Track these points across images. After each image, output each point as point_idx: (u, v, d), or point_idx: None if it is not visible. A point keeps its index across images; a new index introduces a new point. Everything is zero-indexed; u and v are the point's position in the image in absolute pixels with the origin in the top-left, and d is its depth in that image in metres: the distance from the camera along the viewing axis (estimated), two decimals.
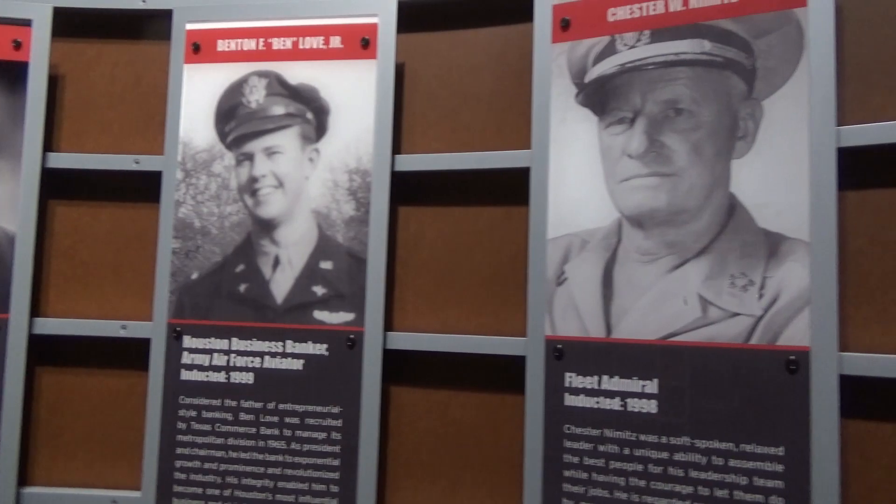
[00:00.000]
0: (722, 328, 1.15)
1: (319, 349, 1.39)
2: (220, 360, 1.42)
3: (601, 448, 1.22)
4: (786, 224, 1.12)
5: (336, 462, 1.36)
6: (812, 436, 1.08)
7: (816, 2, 1.12)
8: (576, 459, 1.23)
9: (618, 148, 1.24)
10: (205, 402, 1.41)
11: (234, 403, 1.40)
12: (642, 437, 1.19)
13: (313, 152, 1.42)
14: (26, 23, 1.49)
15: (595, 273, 1.24)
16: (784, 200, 1.12)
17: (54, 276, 1.56)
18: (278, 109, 1.44)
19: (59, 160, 1.52)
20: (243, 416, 1.40)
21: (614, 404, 1.22)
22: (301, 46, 1.45)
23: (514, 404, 1.35)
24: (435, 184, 1.46)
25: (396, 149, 1.45)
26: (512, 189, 1.38)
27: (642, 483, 1.19)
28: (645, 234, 1.21)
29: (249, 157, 1.44)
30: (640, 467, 1.19)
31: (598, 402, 1.23)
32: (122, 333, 1.48)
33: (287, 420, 1.38)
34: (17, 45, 1.49)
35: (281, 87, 1.45)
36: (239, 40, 1.48)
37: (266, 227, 1.43)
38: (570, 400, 1.25)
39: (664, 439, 1.18)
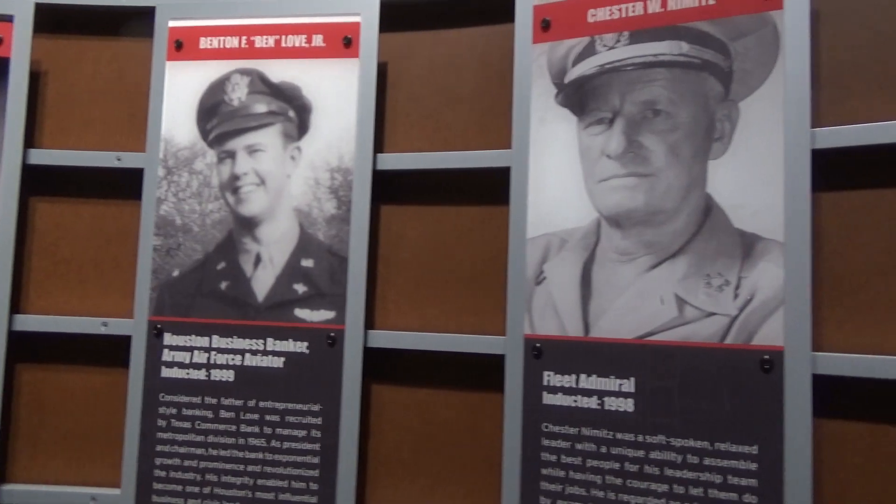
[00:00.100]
0: (698, 328, 1.15)
1: (300, 347, 1.39)
2: (200, 357, 1.42)
3: (578, 446, 1.22)
4: (761, 225, 1.13)
5: (316, 460, 1.36)
6: (785, 435, 1.09)
7: (792, 5, 1.13)
8: (553, 458, 1.24)
9: (597, 148, 1.24)
10: (185, 399, 1.41)
11: (214, 401, 1.40)
12: (619, 436, 1.20)
13: (295, 150, 1.43)
14: (8, 18, 1.49)
15: (574, 272, 1.25)
16: (759, 201, 1.13)
17: (35, 273, 1.55)
18: (260, 107, 1.44)
19: (41, 156, 1.52)
20: (223, 414, 1.40)
21: (592, 403, 1.22)
22: (283, 45, 1.45)
23: (493, 403, 1.36)
24: (417, 183, 1.46)
25: (378, 147, 1.46)
26: (493, 188, 1.39)
27: (619, 481, 1.19)
28: (623, 233, 1.22)
29: (231, 155, 1.44)
30: (616, 465, 1.20)
31: (575, 401, 1.24)
32: (103, 331, 1.48)
33: (267, 418, 1.38)
34: None
35: (263, 85, 1.45)
36: (221, 38, 1.48)
37: (247, 224, 1.43)
38: (549, 398, 1.25)
39: (640, 438, 1.18)
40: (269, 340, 1.40)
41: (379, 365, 1.43)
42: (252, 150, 1.44)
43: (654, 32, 1.22)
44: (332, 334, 1.37)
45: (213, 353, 1.42)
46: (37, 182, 1.55)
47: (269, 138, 1.43)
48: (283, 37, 1.45)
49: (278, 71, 1.45)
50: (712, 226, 1.16)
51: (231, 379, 1.40)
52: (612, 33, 1.25)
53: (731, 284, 1.14)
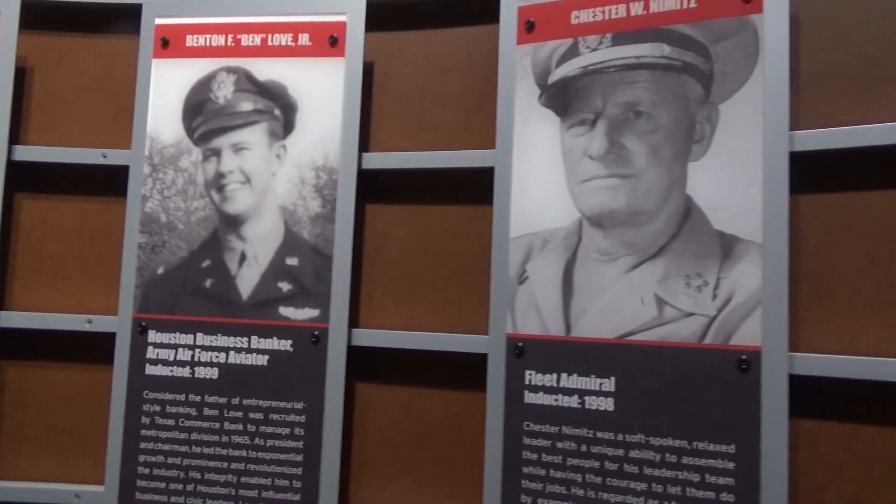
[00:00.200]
0: (677, 328, 1.16)
1: (284, 345, 1.39)
2: (184, 355, 1.42)
3: (559, 445, 1.23)
4: (740, 226, 1.14)
5: (299, 458, 1.36)
6: (762, 434, 1.10)
7: (772, 9, 1.15)
8: (534, 456, 1.25)
9: (579, 149, 1.25)
10: (169, 396, 1.41)
11: (198, 398, 1.41)
12: (599, 435, 1.21)
13: (280, 149, 1.43)
14: None
15: (556, 272, 1.26)
16: (738, 203, 1.14)
17: (20, 270, 1.55)
18: (246, 106, 1.45)
19: (26, 153, 1.52)
20: (207, 412, 1.40)
21: (572, 402, 1.23)
22: (270, 43, 1.46)
23: (476, 401, 1.37)
24: (402, 182, 1.47)
25: (364, 147, 1.46)
26: (477, 188, 1.40)
27: (599, 480, 1.20)
28: (604, 234, 1.23)
29: (216, 153, 1.45)
30: (596, 464, 1.21)
31: (556, 400, 1.24)
32: (88, 327, 1.48)
33: (251, 416, 1.39)
34: None
35: (249, 84, 1.45)
36: (207, 36, 1.48)
37: (232, 222, 1.43)
38: (530, 397, 1.26)
39: (620, 437, 1.19)
40: (254, 338, 1.40)
41: (363, 363, 1.44)
42: (237, 149, 1.44)
43: (636, 35, 1.23)
44: (317, 333, 1.38)
45: (198, 350, 1.42)
46: (22, 178, 1.55)
47: (254, 136, 1.44)
48: (270, 35, 1.46)
49: (264, 69, 1.45)
50: (692, 227, 1.17)
51: (215, 376, 1.41)
52: (595, 35, 1.26)
53: (710, 285, 1.15)
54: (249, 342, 1.40)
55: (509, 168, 1.31)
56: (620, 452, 1.19)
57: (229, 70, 1.46)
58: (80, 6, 1.57)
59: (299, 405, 1.37)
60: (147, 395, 1.42)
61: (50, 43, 1.59)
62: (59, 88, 1.58)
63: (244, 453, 1.38)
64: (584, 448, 1.22)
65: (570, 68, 1.27)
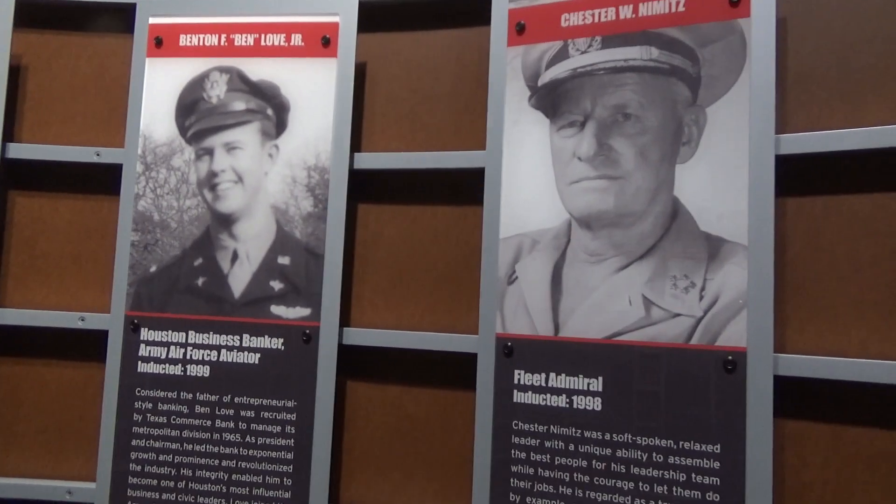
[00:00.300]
0: (664, 328, 1.18)
1: (275, 343, 1.40)
2: (176, 352, 1.43)
3: (547, 444, 1.24)
4: (726, 228, 1.15)
5: (290, 455, 1.37)
6: (747, 434, 1.11)
7: (759, 13, 1.15)
8: (523, 455, 1.26)
9: (568, 150, 1.26)
10: (161, 394, 1.42)
11: (190, 396, 1.41)
12: (587, 434, 1.22)
13: (273, 148, 1.44)
14: None
15: (545, 273, 1.27)
16: (725, 205, 1.16)
17: (13, 267, 1.56)
18: (239, 105, 1.45)
19: (20, 151, 1.52)
20: (199, 409, 1.41)
21: (560, 401, 1.24)
22: (263, 43, 1.46)
23: (465, 400, 1.38)
24: (393, 182, 1.48)
25: (356, 147, 1.47)
26: (468, 189, 1.41)
27: (586, 478, 1.21)
28: (593, 235, 1.24)
29: (209, 152, 1.45)
30: (584, 463, 1.22)
31: (545, 399, 1.25)
32: (80, 325, 1.48)
33: (242, 413, 1.40)
34: None
35: (242, 83, 1.46)
36: (201, 35, 1.49)
37: (225, 221, 1.44)
38: (519, 397, 1.27)
39: (607, 436, 1.20)
40: (245, 336, 1.41)
41: (354, 362, 1.45)
42: (230, 148, 1.45)
43: (625, 38, 1.24)
44: (308, 331, 1.39)
45: (190, 348, 1.43)
46: (15, 176, 1.56)
47: (247, 136, 1.44)
48: (263, 35, 1.47)
49: (257, 69, 1.46)
50: (679, 228, 1.18)
51: (207, 374, 1.41)
52: (584, 38, 1.27)
53: (697, 286, 1.16)
54: (241, 340, 1.41)
55: (499, 169, 1.32)
56: (608, 452, 1.20)
57: (222, 70, 1.47)
58: (75, 5, 1.57)
59: (290, 403, 1.38)
60: (139, 392, 1.43)
61: (44, 41, 1.60)
62: (52, 87, 1.59)
63: (235, 451, 1.39)
64: (571, 447, 1.23)
65: (560, 70, 1.28)
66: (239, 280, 1.42)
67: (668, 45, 1.21)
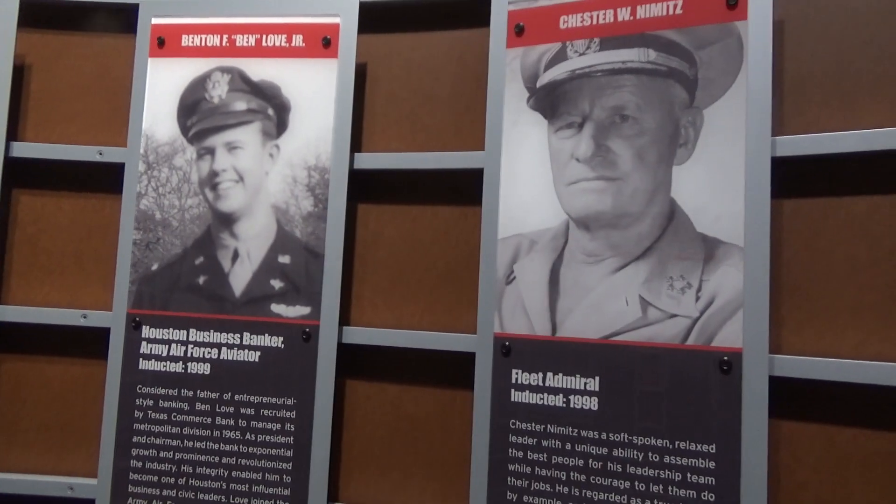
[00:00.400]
0: (660, 329, 1.18)
1: (275, 342, 1.41)
2: (177, 350, 1.44)
3: (544, 443, 1.25)
4: (722, 229, 1.16)
5: (289, 453, 1.38)
6: (742, 434, 1.12)
7: (756, 16, 1.16)
8: (520, 454, 1.27)
9: (566, 151, 1.27)
10: (162, 391, 1.43)
11: (190, 394, 1.43)
12: (583, 433, 1.23)
13: (273, 148, 1.45)
14: None
15: (542, 273, 1.28)
16: (721, 206, 1.16)
17: (16, 265, 1.57)
18: (240, 105, 1.46)
19: (24, 149, 1.54)
20: (199, 407, 1.42)
21: (558, 401, 1.25)
22: (264, 44, 1.47)
23: (464, 399, 1.39)
24: (393, 182, 1.49)
25: (356, 147, 1.48)
26: (467, 189, 1.42)
27: (583, 477, 1.22)
28: (590, 235, 1.25)
29: (210, 152, 1.46)
30: (580, 462, 1.22)
31: (542, 399, 1.26)
32: (83, 322, 1.50)
33: (242, 411, 1.41)
34: None
35: (243, 84, 1.47)
36: (203, 36, 1.50)
37: (226, 220, 1.45)
38: (516, 396, 1.28)
39: (604, 435, 1.21)
40: (246, 335, 1.42)
41: (353, 361, 1.46)
42: (231, 147, 1.46)
43: (623, 40, 1.25)
44: (308, 330, 1.40)
45: (191, 346, 1.44)
46: (19, 175, 1.57)
47: (248, 136, 1.46)
48: (264, 36, 1.48)
49: (258, 69, 1.47)
50: (676, 230, 1.19)
51: (207, 372, 1.43)
52: (583, 40, 1.28)
53: (693, 287, 1.17)
54: (241, 339, 1.42)
55: (498, 170, 1.33)
56: (604, 451, 1.21)
57: (224, 70, 1.48)
58: (78, 5, 1.59)
59: (290, 401, 1.39)
60: (140, 389, 1.44)
61: (47, 41, 1.61)
62: (56, 86, 1.60)
63: (235, 448, 1.40)
64: (568, 446, 1.24)
65: (559, 72, 1.29)
66: (239, 279, 1.43)
67: (666, 48, 1.21)
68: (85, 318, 1.50)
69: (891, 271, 1.14)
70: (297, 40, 1.46)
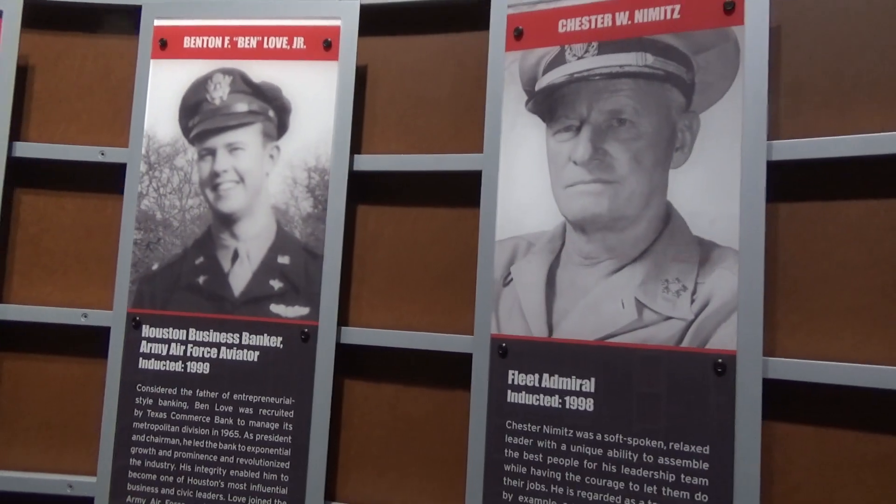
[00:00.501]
0: (656, 331, 1.19)
1: (274, 342, 1.42)
2: (177, 350, 1.45)
3: (540, 444, 1.26)
4: (718, 233, 1.17)
5: (287, 452, 1.39)
6: (736, 436, 1.13)
7: (753, 21, 1.17)
8: (516, 454, 1.27)
9: (564, 154, 1.28)
10: (161, 390, 1.44)
11: (189, 393, 1.43)
12: (579, 434, 1.24)
13: (274, 149, 1.46)
14: None
15: (539, 275, 1.29)
16: (717, 210, 1.17)
17: (18, 264, 1.58)
18: (241, 107, 1.48)
19: (26, 149, 1.55)
20: (198, 406, 1.43)
21: (553, 402, 1.26)
22: (265, 46, 1.49)
23: (461, 400, 1.40)
24: (393, 184, 1.50)
25: (356, 149, 1.49)
26: (465, 191, 1.43)
27: (578, 478, 1.23)
28: (587, 238, 1.26)
29: (211, 153, 1.48)
30: (575, 463, 1.23)
31: (538, 400, 1.27)
32: (83, 321, 1.51)
33: (241, 410, 1.42)
34: None
35: (244, 85, 1.48)
36: (205, 38, 1.51)
37: (226, 221, 1.46)
38: (513, 397, 1.29)
39: (599, 436, 1.22)
40: (245, 334, 1.43)
41: (351, 361, 1.47)
42: (232, 148, 1.47)
43: (621, 44, 1.26)
44: (306, 330, 1.41)
45: (190, 345, 1.45)
46: (22, 174, 1.58)
47: (248, 137, 1.47)
48: (265, 38, 1.49)
49: (259, 71, 1.48)
50: (672, 232, 1.20)
51: (207, 371, 1.44)
52: (581, 43, 1.29)
53: (689, 290, 1.17)
54: (241, 338, 1.43)
55: (496, 172, 1.34)
56: (599, 452, 1.22)
57: (225, 71, 1.49)
58: (81, 6, 1.60)
59: (288, 401, 1.40)
60: (140, 388, 1.45)
61: (51, 42, 1.62)
62: (59, 87, 1.61)
63: (234, 447, 1.41)
64: (564, 447, 1.24)
65: (557, 75, 1.30)
66: (239, 279, 1.44)
67: (663, 52, 1.23)
68: (85, 317, 1.51)
69: (884, 275, 1.15)
70: (298, 42, 1.48)
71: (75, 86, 1.61)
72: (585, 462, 1.23)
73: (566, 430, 1.24)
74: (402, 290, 1.47)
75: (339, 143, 1.43)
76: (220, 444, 1.41)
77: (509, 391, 1.29)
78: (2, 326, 1.53)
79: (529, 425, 1.27)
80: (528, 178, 1.31)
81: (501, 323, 1.30)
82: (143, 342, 1.46)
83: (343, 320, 1.46)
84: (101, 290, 1.55)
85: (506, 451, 1.28)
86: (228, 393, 1.42)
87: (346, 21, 1.45)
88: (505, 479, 1.28)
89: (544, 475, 1.25)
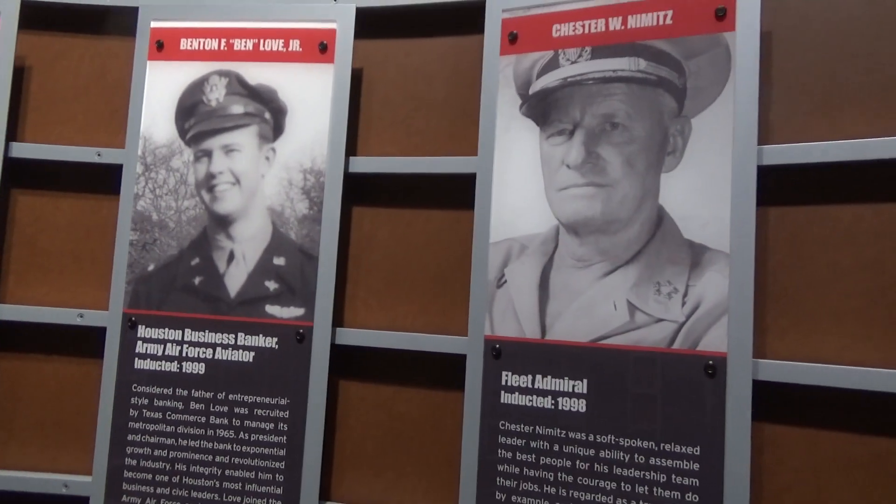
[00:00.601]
0: (647, 333, 1.20)
1: (270, 342, 1.43)
2: (172, 350, 1.46)
3: (533, 444, 1.27)
4: (709, 236, 1.18)
5: (282, 452, 1.40)
6: (726, 437, 1.14)
7: (744, 27, 1.18)
8: (509, 454, 1.29)
9: (557, 158, 1.29)
10: (157, 391, 1.45)
11: (185, 393, 1.44)
12: (571, 435, 1.25)
13: (270, 151, 1.47)
14: None
15: (533, 277, 1.30)
16: (708, 214, 1.18)
17: (14, 264, 1.59)
18: (237, 108, 1.48)
19: (23, 150, 1.56)
20: (194, 406, 1.44)
21: (546, 403, 1.27)
22: (261, 48, 1.49)
23: (455, 400, 1.41)
24: (387, 186, 1.51)
25: (351, 151, 1.50)
26: (460, 193, 1.44)
27: (570, 478, 1.24)
28: (580, 241, 1.27)
29: (208, 154, 1.48)
30: (568, 463, 1.24)
31: (531, 401, 1.28)
32: (79, 321, 1.51)
33: (236, 410, 1.42)
34: None
35: (240, 87, 1.49)
36: (201, 40, 1.52)
37: (222, 222, 1.47)
38: (506, 398, 1.30)
39: (591, 437, 1.23)
40: (240, 335, 1.44)
41: (346, 362, 1.48)
42: (228, 150, 1.48)
43: (614, 49, 1.27)
44: (301, 331, 1.42)
45: (186, 346, 1.46)
46: (18, 175, 1.59)
47: (244, 139, 1.48)
48: (262, 41, 1.50)
49: (256, 73, 1.49)
50: (663, 236, 1.21)
51: (202, 372, 1.44)
52: (575, 48, 1.30)
53: (680, 292, 1.19)
54: (236, 339, 1.44)
55: (490, 175, 1.35)
56: (591, 452, 1.23)
57: (222, 73, 1.50)
58: (78, 8, 1.61)
59: (283, 401, 1.41)
60: (135, 388, 1.46)
61: (48, 43, 1.63)
62: (55, 88, 1.62)
63: (229, 447, 1.42)
64: (556, 448, 1.26)
65: (551, 80, 1.31)
66: (235, 280, 1.45)
67: (656, 57, 1.24)
68: (81, 317, 1.51)
69: (873, 278, 1.16)
70: (295, 45, 1.48)
71: (72, 87, 1.62)
72: (578, 462, 1.24)
73: (559, 430, 1.26)
74: (396, 292, 1.48)
75: (334, 145, 1.44)
76: (215, 444, 1.42)
77: (503, 392, 1.30)
78: None
79: (522, 426, 1.28)
80: (522, 181, 1.32)
81: (495, 324, 1.32)
82: (139, 342, 1.47)
83: (338, 321, 1.47)
84: (97, 290, 1.56)
85: (499, 451, 1.29)
86: (224, 393, 1.43)
87: (341, 24, 1.46)
88: (498, 479, 1.29)
89: (537, 475, 1.26)
